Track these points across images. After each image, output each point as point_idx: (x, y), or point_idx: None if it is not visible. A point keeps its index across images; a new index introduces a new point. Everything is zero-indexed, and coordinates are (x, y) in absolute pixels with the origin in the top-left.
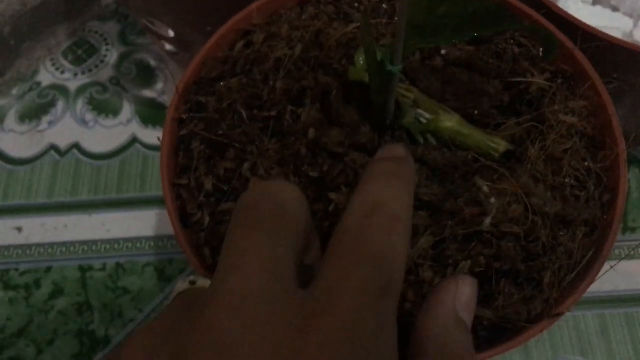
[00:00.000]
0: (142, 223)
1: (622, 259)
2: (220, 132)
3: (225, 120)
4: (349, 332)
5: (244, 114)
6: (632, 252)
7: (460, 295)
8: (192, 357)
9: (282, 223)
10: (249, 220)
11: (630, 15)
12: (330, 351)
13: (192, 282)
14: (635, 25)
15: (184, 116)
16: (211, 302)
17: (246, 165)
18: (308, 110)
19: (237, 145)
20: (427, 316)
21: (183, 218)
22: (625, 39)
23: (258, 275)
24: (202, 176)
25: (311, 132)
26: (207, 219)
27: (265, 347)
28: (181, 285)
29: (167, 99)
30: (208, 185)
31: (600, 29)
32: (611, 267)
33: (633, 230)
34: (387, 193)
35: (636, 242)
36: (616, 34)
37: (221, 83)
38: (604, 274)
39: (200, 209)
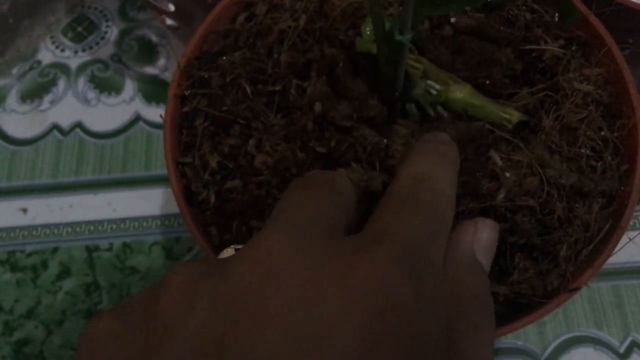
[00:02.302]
0: (149, 202)
1: None
2: (224, 108)
3: (229, 96)
4: (404, 260)
5: (248, 89)
6: None
7: (479, 238)
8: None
9: (333, 190)
10: (302, 184)
11: None
12: (382, 271)
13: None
14: None
15: (186, 92)
16: (259, 241)
17: (252, 141)
18: (314, 83)
19: (242, 121)
20: (446, 256)
21: (189, 197)
22: None
23: (309, 220)
24: (207, 154)
25: (318, 106)
26: (213, 198)
27: (317, 261)
28: (228, 252)
29: (170, 76)
30: (213, 163)
31: None
32: (630, 239)
33: None
34: (435, 169)
35: None
36: None
37: (224, 58)
38: (622, 247)
39: (205, 187)
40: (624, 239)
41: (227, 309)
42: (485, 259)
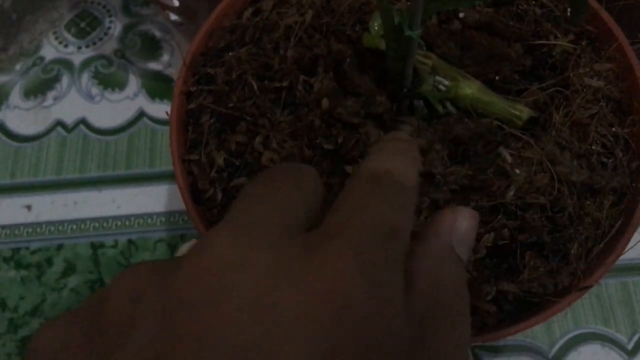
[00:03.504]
0: (153, 199)
1: None
2: (230, 104)
3: (235, 92)
4: (358, 255)
5: (254, 85)
6: None
7: (458, 228)
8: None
9: (295, 184)
10: (261, 178)
11: None
12: (336, 269)
13: None
14: None
15: (192, 89)
16: (208, 239)
17: (258, 139)
18: (321, 79)
19: (248, 118)
20: (421, 248)
21: (195, 194)
22: None
23: (263, 220)
24: (213, 151)
25: (325, 103)
26: (219, 195)
27: (267, 266)
28: (187, 247)
29: (173, 72)
30: (220, 160)
31: None
32: None
33: None
34: (395, 164)
35: None
36: None
37: (230, 54)
38: (635, 244)
39: (212, 185)
40: (636, 236)
41: (167, 324)
42: (463, 251)
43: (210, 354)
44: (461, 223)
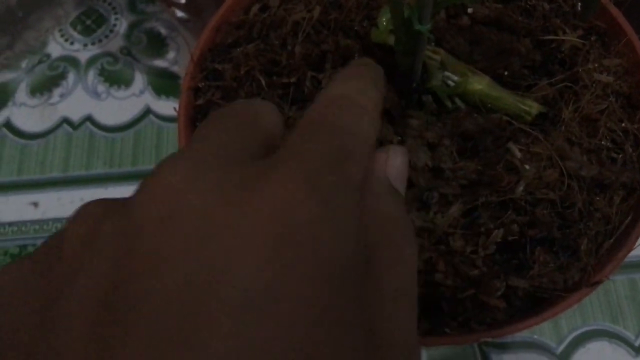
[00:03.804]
0: None
1: None
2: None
3: (244, 88)
4: (307, 178)
5: (262, 81)
6: None
7: (393, 164)
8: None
9: (251, 119)
10: (218, 112)
11: None
12: (285, 191)
13: None
14: None
15: (200, 85)
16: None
17: None
18: (329, 75)
19: None
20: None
21: None
22: None
23: (216, 149)
24: None
25: None
26: None
27: (218, 189)
28: None
29: (179, 69)
30: None
31: None
32: None
33: None
34: (352, 89)
35: None
36: None
37: (237, 49)
38: None
39: None
40: None
41: (124, 254)
42: (399, 186)
43: (166, 276)
44: (394, 160)
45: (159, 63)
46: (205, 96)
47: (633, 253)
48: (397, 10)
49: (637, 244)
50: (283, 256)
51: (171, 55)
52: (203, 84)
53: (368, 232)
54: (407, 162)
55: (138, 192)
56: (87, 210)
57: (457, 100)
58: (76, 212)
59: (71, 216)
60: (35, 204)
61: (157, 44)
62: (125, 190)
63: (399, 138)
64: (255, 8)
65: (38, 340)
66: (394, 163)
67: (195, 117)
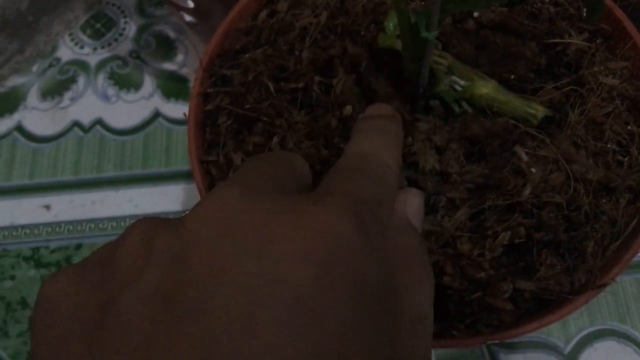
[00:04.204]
0: (170, 198)
1: None
2: (247, 106)
3: (252, 94)
4: (351, 208)
5: (270, 86)
6: None
7: (411, 204)
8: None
9: (288, 164)
10: (260, 156)
11: None
12: (331, 216)
13: None
14: None
15: (209, 91)
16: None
17: (275, 139)
18: (343, 81)
19: (265, 119)
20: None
21: None
22: None
23: (262, 180)
24: (231, 152)
25: (348, 109)
26: None
27: (270, 212)
28: None
29: (188, 72)
30: (237, 161)
31: None
32: None
33: None
34: (378, 146)
35: None
36: None
37: (246, 55)
38: None
39: None
40: None
41: (179, 264)
42: (417, 223)
43: (219, 286)
44: (413, 200)
45: (168, 66)
46: (214, 102)
47: None
48: (404, 16)
49: None
50: (328, 272)
51: (180, 58)
52: (212, 89)
53: (391, 264)
54: (423, 203)
55: (191, 213)
56: (139, 225)
57: (464, 104)
58: (128, 228)
59: (123, 233)
60: (48, 207)
61: (166, 47)
62: (136, 193)
63: (410, 139)
64: (263, 14)
65: (92, 346)
66: (412, 203)
67: (204, 122)
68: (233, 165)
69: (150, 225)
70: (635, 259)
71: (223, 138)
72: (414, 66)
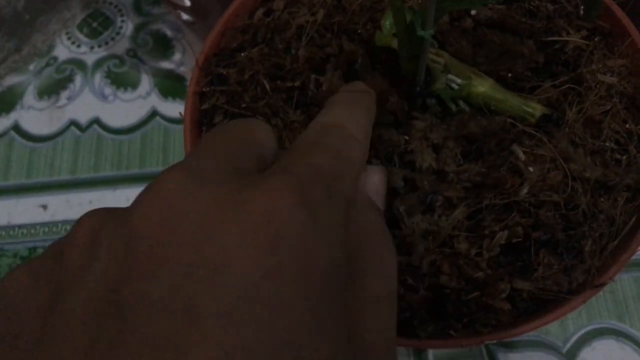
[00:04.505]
0: None
1: None
2: (243, 105)
3: (248, 92)
4: (297, 189)
5: (267, 85)
6: None
7: (370, 181)
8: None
9: (248, 136)
10: (216, 129)
11: None
12: (276, 199)
13: None
14: None
15: (205, 90)
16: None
17: None
18: (330, 77)
19: (261, 118)
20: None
21: None
22: None
23: (213, 161)
24: None
25: None
26: None
27: (214, 198)
28: None
29: (185, 70)
30: None
31: None
32: None
33: None
34: (345, 117)
35: None
36: None
37: (242, 54)
38: None
39: None
40: None
41: (124, 256)
42: (379, 201)
43: (166, 275)
44: (372, 176)
45: (165, 65)
46: (211, 101)
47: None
48: (400, 15)
49: None
50: (271, 259)
51: (177, 57)
52: (208, 88)
53: (351, 242)
54: (384, 179)
55: (137, 200)
56: (87, 218)
57: (461, 102)
58: (77, 221)
59: (73, 226)
60: (45, 207)
61: (163, 46)
62: (133, 192)
63: (406, 137)
64: (259, 12)
65: (38, 344)
66: (372, 180)
67: (200, 121)
68: None
69: (98, 217)
70: (633, 257)
71: None
72: (411, 65)
